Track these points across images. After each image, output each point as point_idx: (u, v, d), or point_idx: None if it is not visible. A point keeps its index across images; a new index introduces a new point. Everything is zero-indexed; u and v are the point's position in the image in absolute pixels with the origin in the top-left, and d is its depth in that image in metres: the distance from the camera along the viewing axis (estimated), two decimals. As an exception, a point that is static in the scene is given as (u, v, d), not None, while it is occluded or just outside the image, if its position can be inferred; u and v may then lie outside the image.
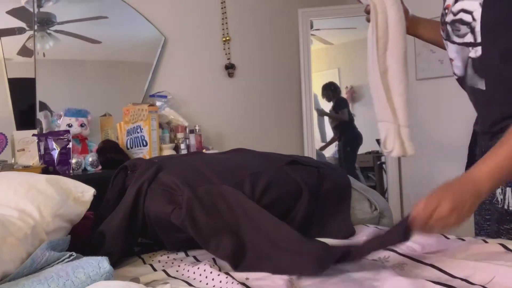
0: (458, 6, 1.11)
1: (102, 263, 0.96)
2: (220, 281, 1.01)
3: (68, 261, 1.00)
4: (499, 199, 1.15)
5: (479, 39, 1.07)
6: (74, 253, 1.03)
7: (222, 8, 2.91)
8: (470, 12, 1.08)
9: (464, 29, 1.10)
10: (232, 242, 1.14)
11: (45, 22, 2.32)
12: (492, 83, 1.10)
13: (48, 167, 1.88)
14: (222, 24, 2.92)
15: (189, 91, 2.74)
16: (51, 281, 0.88)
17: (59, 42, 2.37)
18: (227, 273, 1.06)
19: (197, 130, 2.44)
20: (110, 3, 2.51)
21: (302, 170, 1.45)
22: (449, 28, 1.17)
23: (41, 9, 2.30)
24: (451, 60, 1.24)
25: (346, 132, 4.77)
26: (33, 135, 2.00)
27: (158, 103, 2.44)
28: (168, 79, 2.67)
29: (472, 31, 1.08)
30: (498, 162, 0.95)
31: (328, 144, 5.16)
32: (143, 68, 2.62)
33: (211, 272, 1.06)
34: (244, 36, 3.00)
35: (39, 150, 1.92)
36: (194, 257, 1.29)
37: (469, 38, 1.10)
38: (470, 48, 1.10)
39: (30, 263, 0.95)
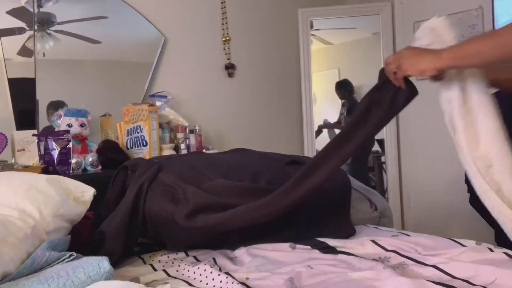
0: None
1: (102, 263, 0.95)
2: (221, 281, 1.01)
3: (68, 261, 1.00)
4: None
5: None
6: (74, 253, 1.03)
7: (222, 8, 2.91)
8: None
9: None
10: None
11: (45, 22, 2.32)
12: None
13: (48, 167, 1.88)
14: (222, 24, 2.91)
15: (189, 91, 2.74)
16: (51, 281, 0.88)
17: (59, 42, 2.36)
18: (227, 273, 1.06)
19: (197, 130, 2.44)
20: (110, 3, 2.51)
21: (302, 170, 1.45)
22: None
23: (41, 9, 2.30)
24: None
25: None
26: (33, 135, 2.00)
27: (158, 103, 2.44)
28: (168, 79, 2.67)
29: None
30: (468, 48, 1.07)
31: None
32: (143, 68, 2.62)
33: (211, 272, 1.06)
34: (244, 36, 3.00)
35: (39, 150, 1.92)
36: (194, 257, 1.29)
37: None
38: None
39: (30, 263, 0.95)
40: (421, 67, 1.12)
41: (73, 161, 1.94)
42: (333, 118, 4.72)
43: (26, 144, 2.03)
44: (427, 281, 0.90)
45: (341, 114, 4.66)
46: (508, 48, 1.01)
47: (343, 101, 4.67)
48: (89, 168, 1.99)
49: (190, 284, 1.03)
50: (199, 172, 1.34)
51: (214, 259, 1.21)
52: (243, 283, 1.01)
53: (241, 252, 1.26)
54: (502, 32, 1.04)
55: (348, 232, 1.37)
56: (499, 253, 1.07)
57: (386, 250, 1.18)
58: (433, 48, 1.11)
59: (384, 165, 3.70)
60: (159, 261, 1.28)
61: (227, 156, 1.61)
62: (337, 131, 4.51)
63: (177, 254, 1.32)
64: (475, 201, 1.30)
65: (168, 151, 2.25)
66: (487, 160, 1.07)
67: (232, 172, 1.36)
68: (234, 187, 1.28)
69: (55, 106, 2.28)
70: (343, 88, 4.75)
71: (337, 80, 5.19)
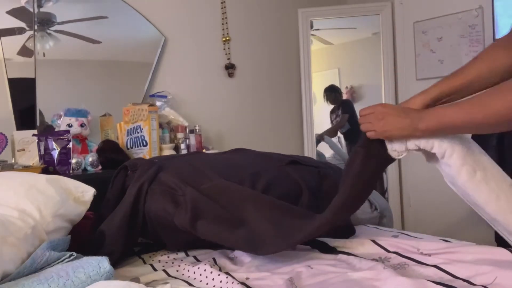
0: None
1: (102, 263, 0.95)
2: (221, 281, 1.01)
3: (68, 261, 1.00)
4: None
5: None
6: (74, 253, 1.03)
7: (222, 8, 2.91)
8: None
9: None
10: (243, 233, 1.15)
11: (45, 22, 2.32)
12: None
13: (48, 167, 1.88)
14: (222, 24, 2.91)
15: (189, 91, 2.74)
16: (51, 281, 0.88)
17: (59, 42, 2.36)
18: (227, 273, 1.06)
19: (197, 130, 2.44)
20: (110, 3, 2.51)
21: (302, 170, 1.45)
22: None
23: (41, 9, 2.30)
24: None
25: (357, 136, 4.44)
26: (33, 135, 1.99)
27: (158, 103, 2.44)
28: (168, 79, 2.67)
29: None
30: (448, 117, 0.99)
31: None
32: (143, 68, 2.62)
33: (211, 272, 1.06)
34: (244, 36, 3.00)
35: (39, 150, 1.92)
36: (194, 257, 1.29)
37: None
38: None
39: (30, 263, 0.95)
40: (400, 133, 1.08)
41: (73, 161, 1.94)
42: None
43: (26, 144, 2.03)
44: (427, 281, 0.90)
45: (334, 120, 4.51)
46: (505, 117, 0.92)
47: (333, 106, 4.52)
48: (89, 168, 1.99)
49: (190, 284, 1.03)
50: (200, 173, 1.34)
51: (214, 259, 1.21)
52: (243, 283, 1.01)
53: (241, 252, 1.26)
54: (493, 97, 0.95)
55: (348, 232, 1.37)
56: (499, 253, 1.06)
57: (387, 250, 1.18)
58: None
59: (384, 165, 3.70)
60: (159, 261, 1.28)
61: (227, 157, 1.61)
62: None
63: (177, 254, 1.32)
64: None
65: (168, 151, 2.25)
66: None
67: (232, 173, 1.36)
68: (234, 190, 1.27)
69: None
70: (332, 92, 4.60)
71: (337, 80, 5.18)
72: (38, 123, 2.21)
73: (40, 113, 2.25)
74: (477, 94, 1.01)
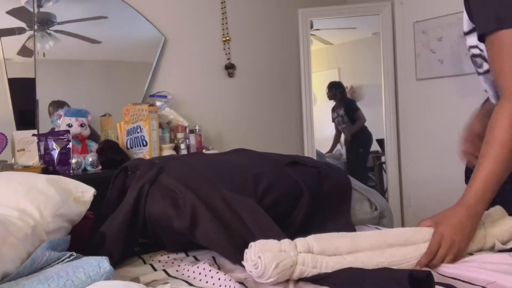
0: (468, 42, 1.23)
1: (102, 263, 0.95)
2: (219, 279, 1.01)
3: (68, 261, 1.00)
4: None
5: None
6: (74, 253, 1.03)
7: (222, 8, 2.91)
8: (475, 46, 1.20)
9: (478, 60, 1.22)
10: (240, 245, 1.14)
11: (45, 22, 2.32)
12: None
13: (48, 167, 1.88)
14: (222, 24, 2.92)
15: (189, 91, 2.74)
16: (51, 281, 0.88)
17: (59, 42, 2.37)
18: (226, 273, 1.06)
19: (197, 130, 2.44)
20: (110, 3, 2.51)
21: (302, 171, 1.45)
22: (473, 64, 1.28)
23: (41, 9, 2.30)
24: (486, 91, 1.31)
25: (360, 134, 4.49)
26: (33, 135, 1.99)
27: (158, 103, 2.44)
28: (168, 79, 2.67)
29: (485, 59, 1.18)
30: (483, 180, 1.05)
31: (334, 145, 4.79)
32: (143, 68, 2.62)
33: (210, 271, 1.06)
34: (244, 36, 3.00)
35: (39, 150, 1.92)
36: (194, 257, 1.29)
37: (486, 66, 1.19)
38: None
39: (30, 263, 0.95)
40: (471, 238, 1.08)
41: (73, 161, 1.94)
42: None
43: (26, 144, 2.03)
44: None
45: (335, 118, 4.43)
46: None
47: (334, 104, 4.43)
48: (89, 168, 1.99)
49: (190, 284, 1.03)
50: (201, 175, 1.34)
51: (213, 257, 1.21)
52: (241, 283, 1.02)
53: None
54: (497, 139, 1.04)
55: (348, 231, 1.37)
56: (499, 253, 1.07)
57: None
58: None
59: (384, 165, 3.71)
60: (159, 261, 1.28)
61: (228, 158, 1.60)
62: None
63: (177, 254, 1.32)
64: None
65: (168, 151, 2.25)
66: None
67: (234, 175, 1.36)
68: (233, 201, 1.26)
69: (57, 105, 2.28)
70: (334, 88, 4.50)
71: (337, 80, 5.17)
72: (41, 119, 2.21)
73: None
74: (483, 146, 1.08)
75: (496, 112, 1.07)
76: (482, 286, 0.89)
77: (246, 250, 1.00)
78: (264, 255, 0.95)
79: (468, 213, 1.06)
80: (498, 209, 1.17)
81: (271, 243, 0.99)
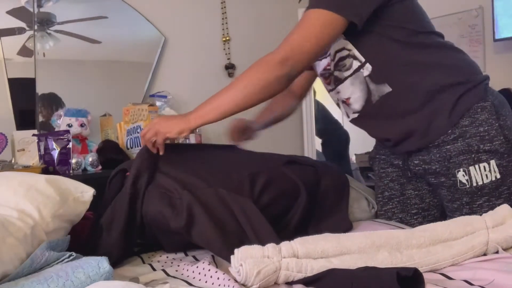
0: (332, 52, 1.37)
1: (101, 263, 0.96)
2: (218, 278, 1.01)
3: (68, 261, 1.00)
4: (464, 181, 1.29)
5: (363, 59, 1.31)
6: (73, 253, 1.03)
7: (222, 8, 2.91)
8: (343, 48, 1.33)
9: (348, 61, 1.33)
10: (236, 245, 1.14)
11: (45, 22, 2.32)
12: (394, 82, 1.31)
13: (48, 167, 1.88)
14: (222, 24, 2.92)
15: (189, 91, 2.74)
16: (50, 281, 0.88)
17: (59, 42, 2.37)
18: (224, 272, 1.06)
19: (197, 130, 2.44)
20: (110, 3, 2.51)
21: (299, 170, 1.45)
22: (336, 73, 1.39)
23: (41, 9, 2.30)
24: (346, 101, 1.42)
25: (334, 132, 3.96)
26: (33, 135, 2.00)
27: (158, 103, 2.44)
28: (168, 79, 2.67)
29: (354, 57, 1.32)
30: (210, 108, 1.38)
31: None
32: (143, 68, 2.62)
33: (209, 270, 1.06)
34: (244, 36, 3.00)
35: (39, 150, 1.92)
36: (194, 256, 1.29)
37: (356, 64, 1.32)
38: (361, 69, 1.32)
39: (30, 263, 0.95)
40: (178, 129, 1.36)
41: (73, 161, 1.94)
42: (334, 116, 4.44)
43: (26, 144, 2.03)
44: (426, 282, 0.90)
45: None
46: (238, 100, 1.30)
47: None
48: (89, 168, 2.00)
49: (189, 284, 1.03)
50: (197, 174, 1.33)
51: (213, 256, 1.21)
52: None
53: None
54: (232, 87, 1.34)
55: (345, 227, 1.38)
56: (497, 256, 1.07)
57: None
58: None
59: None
60: (158, 261, 1.28)
61: (224, 154, 1.59)
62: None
63: (176, 253, 1.32)
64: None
65: (168, 151, 2.25)
66: None
67: (230, 173, 1.36)
68: (229, 200, 1.26)
69: (48, 99, 2.28)
70: None
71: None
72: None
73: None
74: (219, 94, 1.38)
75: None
76: (481, 286, 0.89)
77: (231, 256, 1.00)
78: (246, 262, 0.94)
79: (181, 116, 1.38)
80: (504, 208, 1.12)
81: (254, 249, 0.98)
